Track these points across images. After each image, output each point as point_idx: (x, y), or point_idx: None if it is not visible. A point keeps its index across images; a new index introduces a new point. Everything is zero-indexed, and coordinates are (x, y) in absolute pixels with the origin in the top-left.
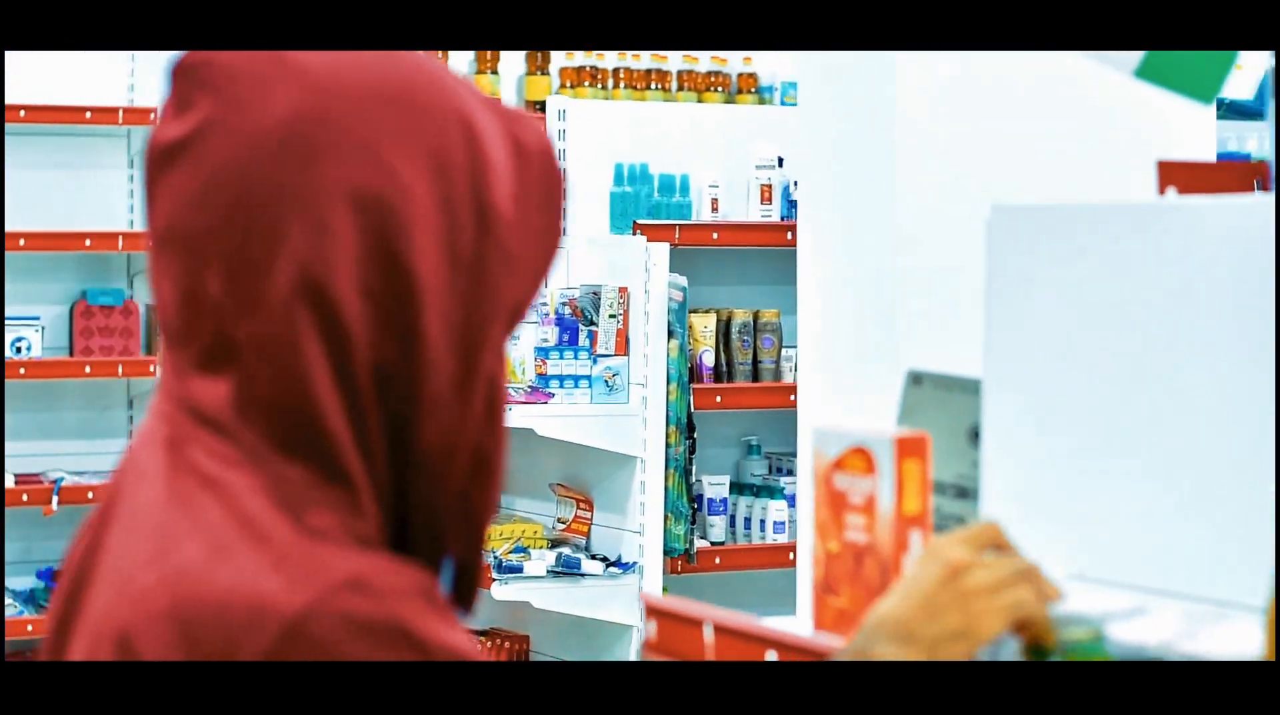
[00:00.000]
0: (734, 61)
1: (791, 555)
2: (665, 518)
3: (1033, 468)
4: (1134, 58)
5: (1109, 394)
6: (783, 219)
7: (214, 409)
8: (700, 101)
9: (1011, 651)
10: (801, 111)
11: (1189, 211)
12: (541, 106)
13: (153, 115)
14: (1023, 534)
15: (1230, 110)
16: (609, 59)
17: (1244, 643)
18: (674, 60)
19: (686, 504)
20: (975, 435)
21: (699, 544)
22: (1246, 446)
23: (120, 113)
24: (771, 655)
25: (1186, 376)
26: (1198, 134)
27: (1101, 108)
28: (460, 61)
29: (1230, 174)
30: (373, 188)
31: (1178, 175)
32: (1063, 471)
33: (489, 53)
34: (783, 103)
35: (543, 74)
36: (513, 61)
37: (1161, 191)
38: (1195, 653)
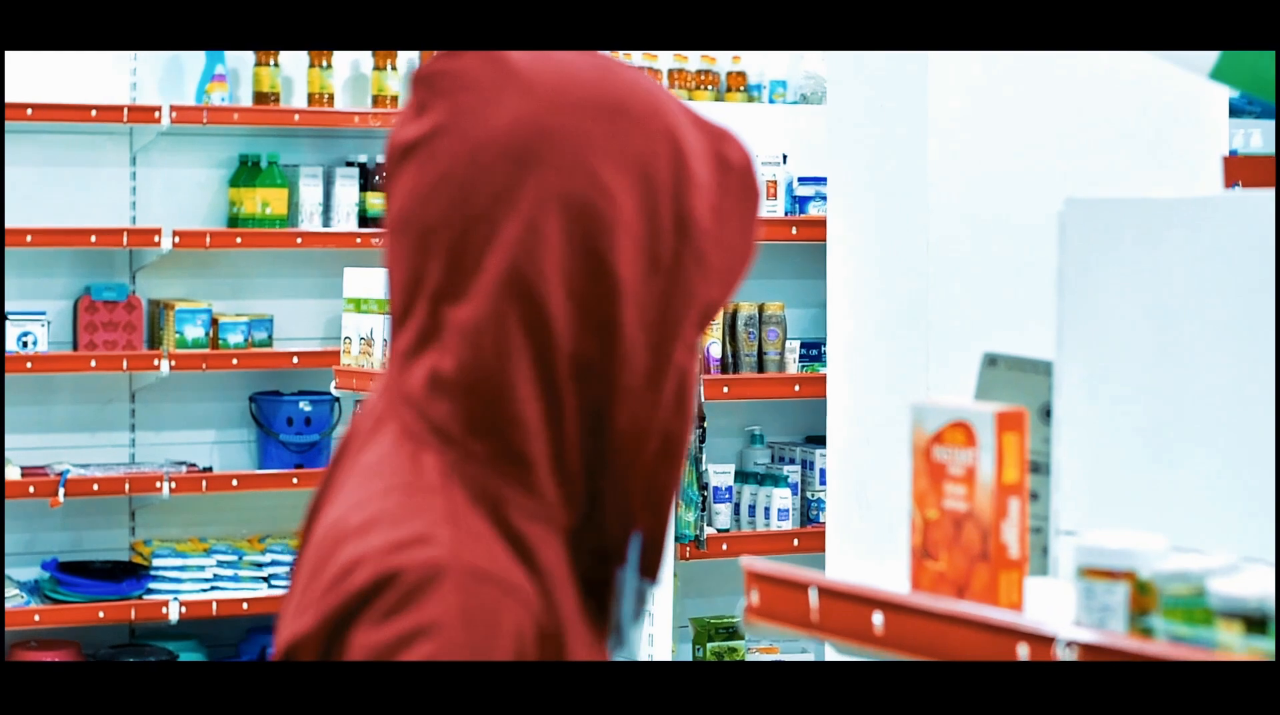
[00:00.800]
0: (723, 60)
1: (795, 541)
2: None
3: (1101, 444)
4: (1208, 60)
5: (1175, 376)
6: (787, 214)
7: (415, 387)
8: (690, 99)
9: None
10: (831, 110)
11: (1254, 203)
12: None
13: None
14: (1091, 505)
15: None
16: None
17: None
18: (664, 59)
19: (697, 492)
20: (1047, 413)
21: (707, 531)
22: None
23: (124, 111)
24: (878, 616)
25: (1249, 359)
26: (1211, 131)
27: (1118, 107)
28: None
29: None
30: (581, 194)
31: (1242, 170)
32: (1130, 448)
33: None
34: (771, 100)
35: None
36: None
37: (1228, 185)
38: None
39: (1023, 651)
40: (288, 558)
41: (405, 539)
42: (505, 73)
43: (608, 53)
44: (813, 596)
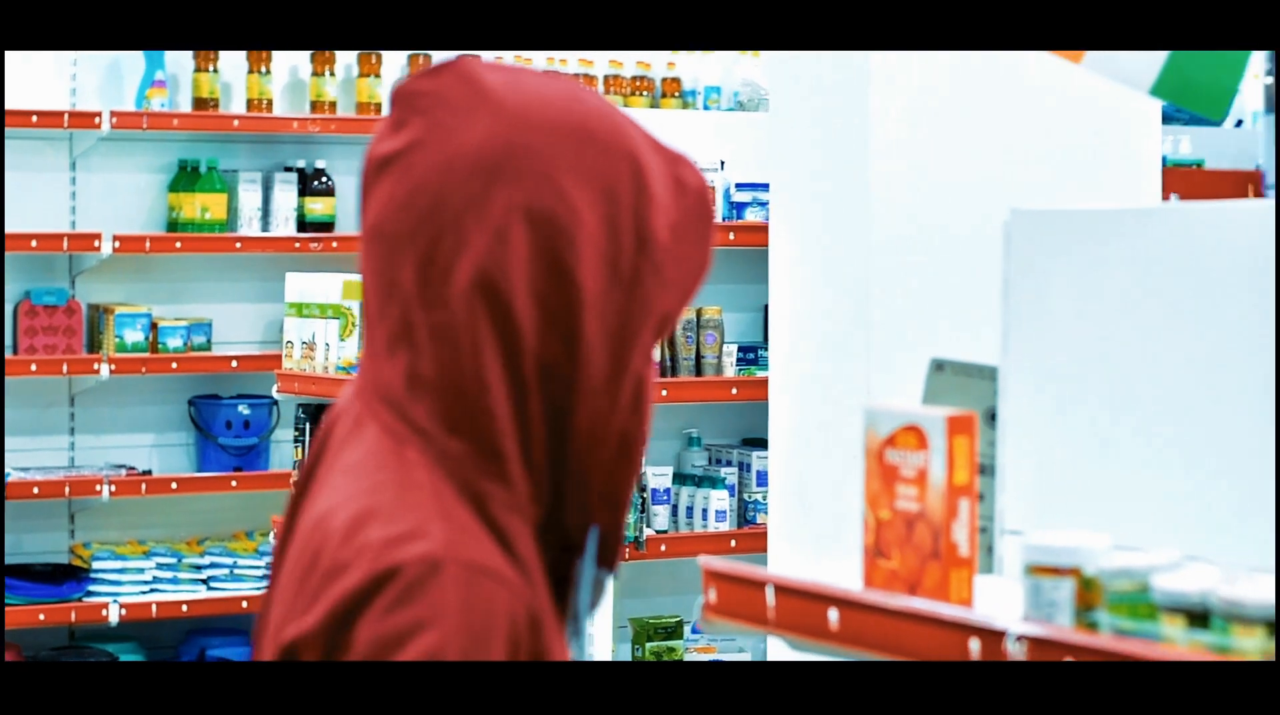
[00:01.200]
0: (658, 66)
1: (733, 542)
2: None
3: (1045, 446)
4: (1149, 77)
5: (1116, 380)
6: (725, 220)
7: (392, 387)
8: (626, 105)
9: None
10: (773, 117)
11: (1191, 214)
12: None
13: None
14: (1036, 506)
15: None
16: (537, 63)
17: None
18: (600, 65)
19: (636, 493)
20: (992, 417)
21: (645, 532)
22: (1247, 429)
23: (65, 117)
24: (834, 613)
25: (1189, 363)
26: (1144, 139)
27: (1058, 115)
28: (393, 67)
29: (1226, 181)
30: (547, 207)
31: (1179, 182)
32: (1073, 450)
33: (420, 57)
34: (706, 107)
35: None
36: (393, 66)
37: (1165, 197)
38: (1235, 597)
39: (974, 646)
40: (227, 560)
41: (401, 534)
42: (479, 93)
43: (580, 80)
44: (769, 594)
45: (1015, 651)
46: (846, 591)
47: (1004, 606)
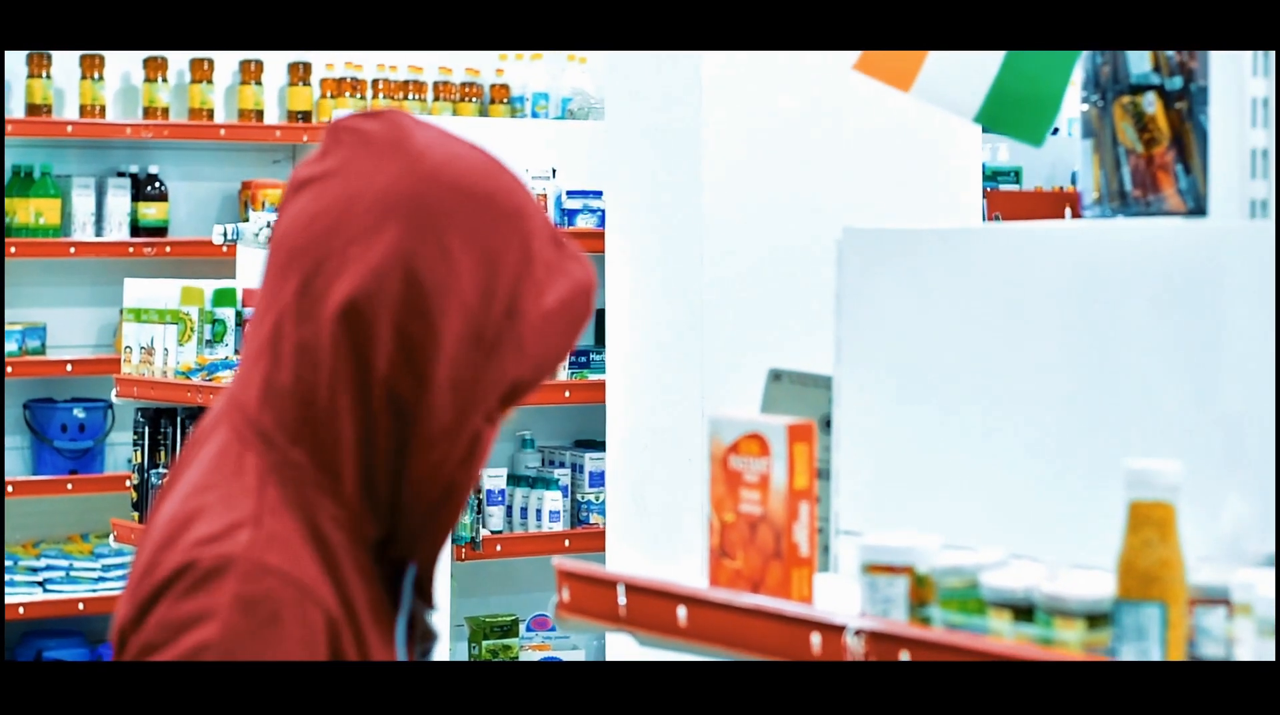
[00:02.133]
0: (486, 72)
1: (566, 542)
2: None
3: (877, 451)
4: (974, 105)
5: (944, 389)
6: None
7: (248, 393)
8: (455, 113)
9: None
10: (609, 127)
11: (1012, 235)
12: (304, 116)
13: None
14: (870, 508)
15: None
16: (368, 70)
17: (1100, 586)
18: (430, 71)
19: (473, 495)
20: (827, 424)
21: (482, 532)
22: (1065, 435)
23: None
24: (682, 610)
25: (1011, 373)
26: (966, 151)
27: (885, 129)
28: (225, 73)
29: (1045, 201)
30: (429, 260)
31: (1002, 203)
32: (904, 454)
33: (253, 64)
34: (534, 113)
35: (304, 84)
36: (275, 72)
37: (989, 217)
38: (1057, 593)
39: (815, 640)
40: (63, 563)
41: (210, 534)
42: (401, 142)
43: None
44: (620, 593)
45: (854, 645)
46: (695, 590)
47: (841, 603)
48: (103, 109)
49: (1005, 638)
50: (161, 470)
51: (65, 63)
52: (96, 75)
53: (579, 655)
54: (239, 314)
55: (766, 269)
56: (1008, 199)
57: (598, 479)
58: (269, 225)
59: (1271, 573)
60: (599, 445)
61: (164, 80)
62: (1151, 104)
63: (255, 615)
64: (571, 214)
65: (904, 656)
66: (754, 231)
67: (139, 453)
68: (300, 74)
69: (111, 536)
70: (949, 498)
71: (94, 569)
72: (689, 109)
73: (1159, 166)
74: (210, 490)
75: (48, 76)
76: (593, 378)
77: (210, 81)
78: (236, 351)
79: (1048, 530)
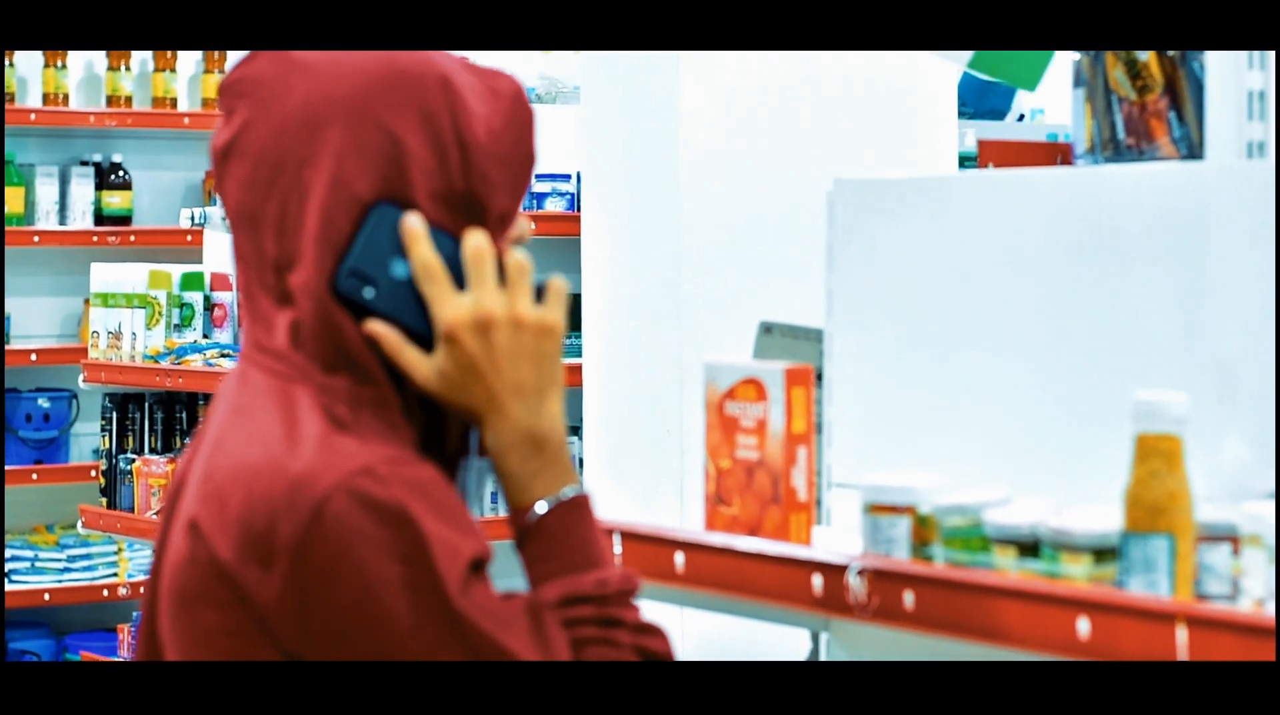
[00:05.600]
0: None
1: None
2: None
3: (869, 403)
4: (967, 53)
5: (936, 337)
6: (524, 210)
7: (274, 342)
8: None
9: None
10: (584, 107)
11: (1002, 181)
12: None
13: None
14: (862, 461)
15: None
16: None
17: (1106, 520)
18: None
19: None
20: (819, 377)
21: None
22: (1058, 380)
23: None
24: (680, 556)
25: (1003, 317)
26: (942, 129)
27: (862, 104)
28: (188, 62)
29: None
30: (372, 141)
31: (994, 153)
32: (894, 406)
33: (216, 53)
34: None
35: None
36: (188, 61)
37: (982, 166)
38: (1064, 527)
39: (817, 582)
40: (28, 553)
41: (316, 460)
42: (289, 64)
43: None
44: (616, 541)
45: (857, 585)
46: (692, 535)
47: (843, 547)
48: (66, 98)
49: (1010, 573)
50: (130, 456)
51: (28, 51)
52: (59, 64)
53: None
54: (207, 298)
55: (744, 245)
56: (999, 149)
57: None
58: None
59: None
60: (574, 430)
61: (127, 69)
62: (1144, 51)
63: (422, 491)
64: (540, 197)
65: (908, 596)
66: (731, 206)
67: (106, 438)
68: (215, 61)
69: (79, 523)
70: (943, 447)
71: (59, 560)
72: (665, 85)
73: (1152, 114)
74: (255, 434)
75: (10, 64)
76: (569, 362)
77: (174, 70)
78: (205, 335)
79: (1042, 477)
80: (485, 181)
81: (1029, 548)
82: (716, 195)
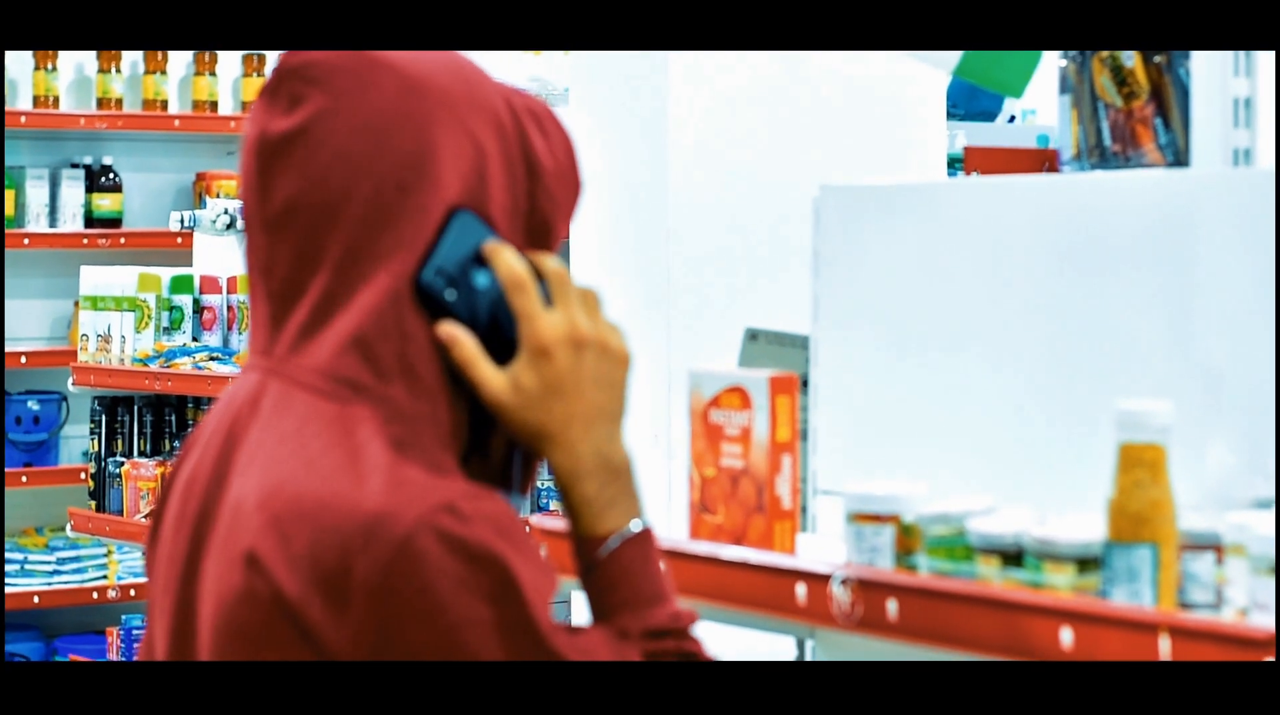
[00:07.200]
0: None
1: (527, 528)
2: None
3: (855, 410)
4: (954, 58)
5: (922, 344)
6: None
7: (318, 356)
8: None
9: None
10: (573, 108)
11: (988, 188)
12: None
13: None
14: (847, 467)
15: None
16: None
17: (1090, 529)
18: None
19: None
20: (804, 384)
21: None
22: (1045, 388)
23: None
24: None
25: (989, 325)
26: (931, 133)
27: (851, 108)
28: (179, 64)
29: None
30: (464, 149)
31: (980, 159)
32: (880, 413)
33: (207, 55)
34: None
35: (259, 76)
36: (230, 64)
37: (967, 172)
38: (1048, 537)
39: (800, 591)
40: (18, 556)
41: (389, 498)
42: (368, 59)
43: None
44: None
45: (840, 595)
46: (676, 543)
47: (827, 556)
48: (56, 100)
49: (994, 583)
50: (119, 459)
51: (18, 53)
52: (50, 66)
53: None
54: (196, 301)
55: (730, 251)
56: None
57: None
58: (227, 212)
59: (1263, 515)
60: None
61: (118, 71)
62: (1130, 58)
63: (503, 530)
64: None
65: (891, 605)
66: (719, 213)
67: (96, 441)
68: (254, 65)
69: (68, 526)
70: (929, 455)
71: (49, 562)
72: (654, 86)
73: (1138, 120)
74: (315, 461)
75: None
76: None
77: (164, 73)
78: (195, 338)
79: (1028, 485)
80: (554, 203)
81: (1013, 557)
82: (704, 201)
